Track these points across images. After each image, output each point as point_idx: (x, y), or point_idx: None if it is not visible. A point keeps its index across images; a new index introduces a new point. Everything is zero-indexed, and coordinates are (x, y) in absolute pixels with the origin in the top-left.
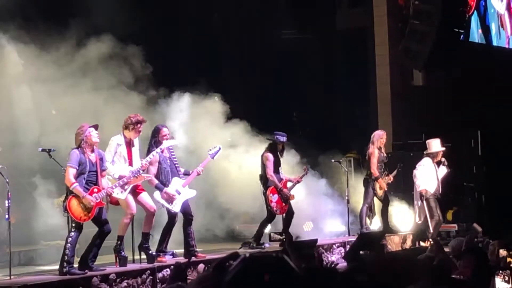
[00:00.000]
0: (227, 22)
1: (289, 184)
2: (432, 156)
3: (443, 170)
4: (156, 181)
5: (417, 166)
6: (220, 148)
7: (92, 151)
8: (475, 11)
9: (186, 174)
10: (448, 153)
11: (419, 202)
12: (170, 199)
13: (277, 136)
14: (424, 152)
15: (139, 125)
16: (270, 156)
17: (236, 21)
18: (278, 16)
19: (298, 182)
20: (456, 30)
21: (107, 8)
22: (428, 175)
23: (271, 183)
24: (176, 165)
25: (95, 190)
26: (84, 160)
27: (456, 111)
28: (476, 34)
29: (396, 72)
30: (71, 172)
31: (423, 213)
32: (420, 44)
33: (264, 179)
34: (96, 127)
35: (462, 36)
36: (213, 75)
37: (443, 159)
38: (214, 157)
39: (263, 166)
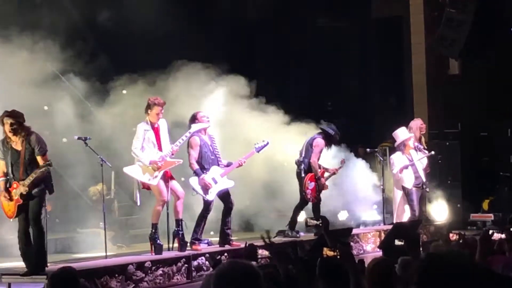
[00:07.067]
0: (261, 10)
1: (325, 174)
2: (402, 147)
3: (421, 157)
4: (196, 166)
5: (390, 169)
6: (268, 143)
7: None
8: None
9: (229, 165)
10: (485, 142)
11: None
12: (205, 187)
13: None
14: (395, 146)
15: (156, 108)
16: (322, 143)
17: (271, 9)
18: (313, 4)
19: (335, 173)
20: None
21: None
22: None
23: (313, 169)
24: (217, 154)
25: (14, 186)
26: (7, 153)
27: (493, 100)
28: None
29: (432, 61)
30: None
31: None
32: (456, 32)
33: (304, 164)
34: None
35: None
36: (247, 63)
37: (416, 144)
38: (259, 151)
39: (307, 151)
